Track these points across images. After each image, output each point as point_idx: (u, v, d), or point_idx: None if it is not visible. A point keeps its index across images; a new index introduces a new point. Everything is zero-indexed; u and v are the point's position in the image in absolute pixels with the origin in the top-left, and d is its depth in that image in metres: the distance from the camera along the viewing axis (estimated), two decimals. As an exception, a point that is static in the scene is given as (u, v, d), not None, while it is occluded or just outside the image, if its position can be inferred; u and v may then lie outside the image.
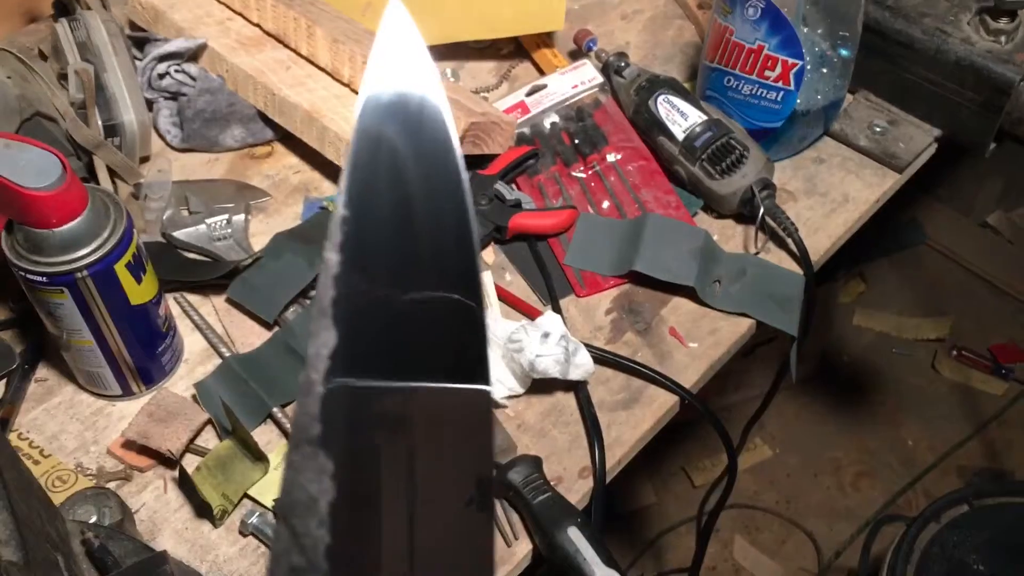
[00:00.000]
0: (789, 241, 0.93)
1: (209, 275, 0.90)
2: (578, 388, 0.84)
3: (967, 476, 1.93)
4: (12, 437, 0.81)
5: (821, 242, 0.96)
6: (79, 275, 0.73)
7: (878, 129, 1.02)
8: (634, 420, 0.84)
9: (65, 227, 0.71)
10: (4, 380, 0.84)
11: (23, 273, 0.73)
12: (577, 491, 0.80)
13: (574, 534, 0.74)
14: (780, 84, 0.94)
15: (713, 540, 1.84)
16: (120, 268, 0.75)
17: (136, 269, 0.77)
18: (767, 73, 0.94)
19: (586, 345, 0.84)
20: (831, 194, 0.99)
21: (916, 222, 2.31)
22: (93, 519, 0.72)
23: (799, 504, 1.91)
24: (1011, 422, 2.01)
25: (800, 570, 1.82)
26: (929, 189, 2.29)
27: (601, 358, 0.86)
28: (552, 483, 0.78)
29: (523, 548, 0.76)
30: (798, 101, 0.95)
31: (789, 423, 2.02)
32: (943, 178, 2.25)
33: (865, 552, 1.46)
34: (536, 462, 0.79)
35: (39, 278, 0.73)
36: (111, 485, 0.78)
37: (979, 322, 2.15)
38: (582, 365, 0.83)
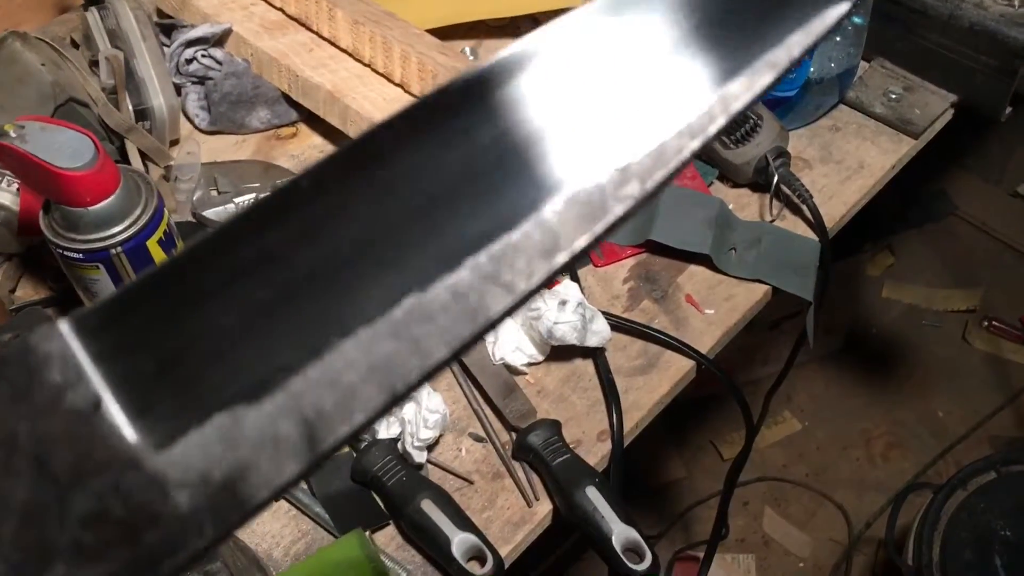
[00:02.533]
0: (804, 208, 0.94)
1: (238, 252, 0.93)
2: (596, 355, 0.86)
3: (999, 446, 1.92)
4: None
5: (837, 209, 0.97)
6: (113, 251, 0.76)
7: (893, 96, 1.03)
8: (651, 385, 0.86)
9: (99, 205, 0.74)
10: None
11: (60, 250, 0.76)
12: (596, 453, 0.82)
13: (592, 493, 0.76)
14: (793, 53, 0.95)
15: (743, 512, 1.86)
16: (152, 244, 0.78)
17: (168, 245, 0.80)
18: (779, 42, 0.95)
19: (604, 313, 0.87)
20: (847, 161, 1.00)
21: (945, 193, 2.29)
22: None
23: (829, 476, 1.92)
24: (1043, 392, 2.00)
25: (830, 541, 1.83)
26: (958, 159, 2.27)
27: (618, 325, 0.88)
28: (571, 446, 0.81)
29: (544, 508, 0.79)
30: (812, 69, 0.96)
31: (818, 396, 2.02)
32: (971, 148, 2.24)
33: (892, 520, 1.47)
34: (555, 426, 0.81)
35: (75, 255, 0.76)
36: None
37: (1010, 292, 2.14)
38: (599, 332, 0.85)
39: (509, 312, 0.23)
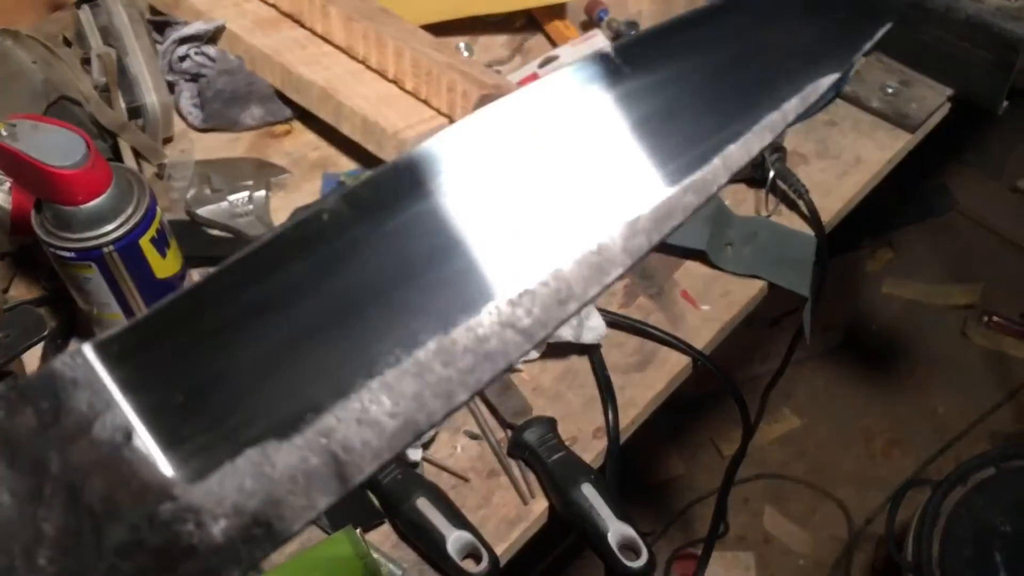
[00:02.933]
0: (800, 203, 0.94)
1: (232, 251, 0.92)
2: (591, 351, 0.86)
3: (998, 442, 1.92)
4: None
5: (833, 204, 0.96)
6: (106, 250, 0.75)
7: (890, 90, 1.02)
8: (647, 382, 0.85)
9: (91, 204, 0.74)
10: (39, 355, 0.88)
11: (53, 249, 0.76)
12: (592, 451, 0.81)
13: (588, 491, 0.76)
14: (788, 47, 0.94)
15: (743, 510, 1.86)
16: (145, 243, 0.78)
17: (160, 244, 0.79)
18: (775, 37, 0.94)
19: (599, 310, 0.86)
20: (843, 156, 1.00)
21: (945, 188, 2.29)
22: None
23: (829, 473, 1.91)
24: (1044, 387, 1.99)
25: (831, 538, 1.83)
26: (958, 155, 2.27)
27: (614, 322, 0.87)
28: (567, 443, 0.80)
29: (539, 506, 0.78)
30: (807, 64, 0.95)
31: (818, 393, 2.02)
32: (972, 143, 2.23)
33: (891, 517, 1.46)
34: (551, 423, 0.81)
35: (68, 254, 0.76)
36: (142, 452, 0.81)
37: (1010, 288, 2.13)
38: (595, 328, 0.84)
39: (524, 354, 0.24)
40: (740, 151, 0.27)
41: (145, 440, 0.22)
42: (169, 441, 0.22)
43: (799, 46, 0.29)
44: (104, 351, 0.23)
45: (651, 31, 0.29)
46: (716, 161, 0.26)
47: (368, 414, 0.23)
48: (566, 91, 0.27)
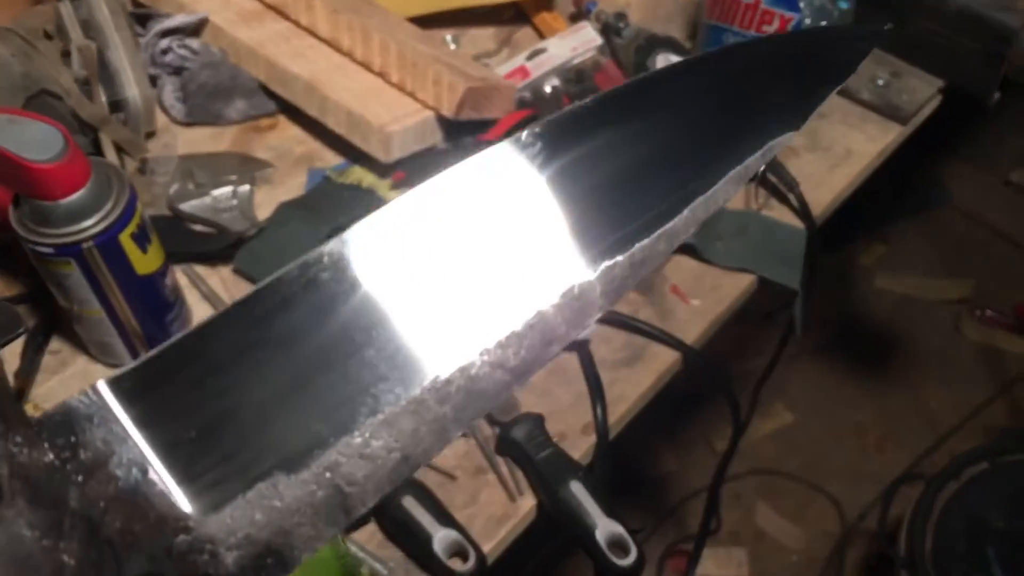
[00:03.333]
0: (791, 196, 0.93)
1: (216, 246, 0.91)
2: (580, 347, 0.85)
3: (992, 436, 1.91)
4: (28, 408, 0.83)
5: (824, 197, 0.96)
6: (85, 245, 0.74)
7: (881, 82, 1.01)
8: (636, 377, 0.84)
9: (69, 199, 0.73)
10: (20, 353, 0.86)
11: (31, 245, 0.75)
12: (580, 447, 0.80)
13: (576, 488, 0.75)
14: (778, 38, 0.93)
15: (735, 506, 1.85)
16: (125, 238, 0.76)
17: (141, 239, 0.78)
18: (764, 28, 0.93)
19: (587, 304, 0.85)
20: (834, 148, 0.99)
21: (939, 182, 2.28)
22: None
23: (822, 469, 1.91)
24: (1036, 380, 1.99)
25: (823, 533, 1.82)
26: (951, 148, 2.26)
27: (603, 317, 0.86)
28: (555, 440, 0.79)
29: (527, 504, 0.78)
30: (797, 55, 0.94)
31: (810, 388, 2.01)
32: (964, 136, 2.22)
33: (884, 512, 1.46)
34: (539, 420, 0.80)
35: (46, 249, 0.74)
36: (124, 451, 0.80)
37: (1003, 281, 2.13)
38: (583, 323, 0.83)
39: (510, 391, 0.27)
40: (708, 203, 0.30)
41: (160, 474, 0.23)
42: (183, 476, 0.24)
43: (761, 106, 0.33)
44: (118, 387, 0.24)
45: (625, 87, 0.32)
46: (686, 212, 0.29)
47: (370, 449, 0.24)
48: (536, 152, 0.30)
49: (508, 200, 0.28)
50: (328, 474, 0.24)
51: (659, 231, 0.29)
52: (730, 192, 0.30)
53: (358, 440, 0.24)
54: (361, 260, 0.27)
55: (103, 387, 0.24)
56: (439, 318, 0.27)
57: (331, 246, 0.27)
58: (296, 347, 0.25)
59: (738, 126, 0.32)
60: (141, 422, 0.23)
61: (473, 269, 0.27)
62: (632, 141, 0.30)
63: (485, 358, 0.26)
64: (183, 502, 0.23)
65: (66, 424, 0.23)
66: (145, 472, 0.23)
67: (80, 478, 0.23)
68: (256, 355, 0.25)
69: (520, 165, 0.28)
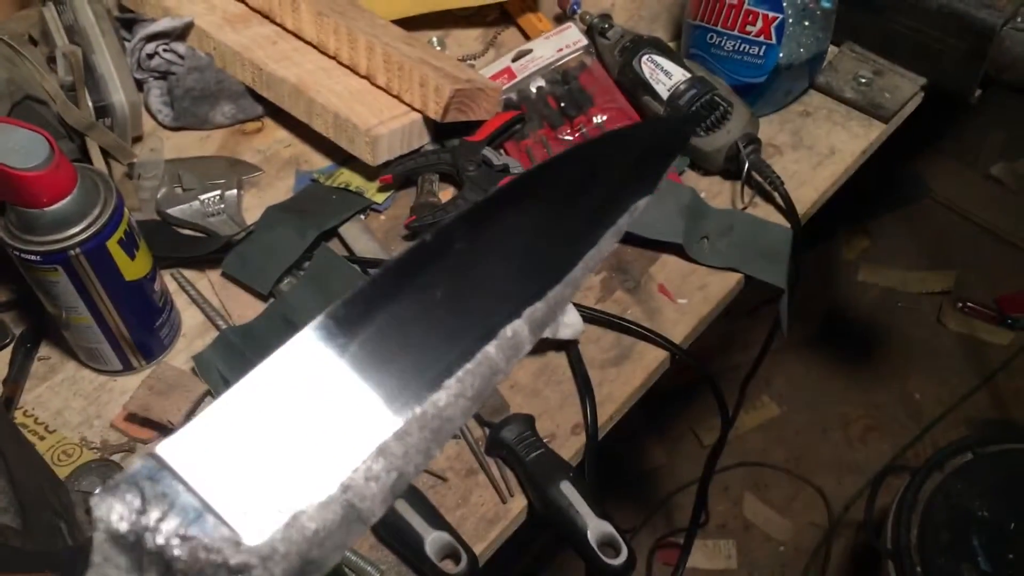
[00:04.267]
0: (776, 195, 0.94)
1: (204, 250, 0.91)
2: (569, 347, 0.86)
3: (975, 427, 1.93)
4: (18, 414, 0.83)
5: (808, 195, 0.96)
6: (72, 253, 0.74)
7: (863, 80, 1.02)
8: (625, 376, 0.85)
9: (55, 206, 0.73)
10: (8, 360, 0.86)
11: (17, 253, 0.74)
12: (570, 447, 0.81)
13: (567, 488, 0.76)
14: (761, 39, 0.94)
15: (723, 498, 1.86)
16: (112, 245, 0.76)
17: (128, 245, 0.78)
18: (748, 28, 0.94)
19: (576, 305, 0.86)
20: (817, 147, 1.00)
21: (920, 176, 2.30)
22: (98, 490, 0.74)
23: (808, 460, 1.93)
24: (1018, 371, 2.01)
25: (810, 525, 1.84)
26: (932, 142, 2.28)
27: (591, 317, 0.87)
28: (545, 440, 0.80)
29: (518, 504, 0.78)
30: (780, 55, 0.95)
31: (796, 380, 2.03)
32: (946, 131, 2.24)
33: (870, 504, 1.47)
34: (529, 420, 0.80)
35: (33, 257, 0.74)
36: (115, 457, 0.80)
37: (984, 274, 2.15)
38: (572, 324, 0.84)
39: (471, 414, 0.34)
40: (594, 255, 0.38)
41: (215, 516, 0.29)
42: (233, 514, 0.29)
43: (609, 186, 0.39)
44: (171, 452, 0.30)
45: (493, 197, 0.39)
46: (578, 271, 0.37)
47: (372, 472, 0.30)
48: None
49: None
50: (345, 495, 0.30)
51: (567, 279, 0.37)
52: (607, 249, 0.38)
53: (362, 466, 0.31)
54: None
55: (160, 452, 0.30)
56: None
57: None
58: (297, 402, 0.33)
59: (593, 205, 0.39)
60: (194, 477, 0.30)
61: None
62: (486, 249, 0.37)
63: (451, 390, 0.33)
64: (235, 534, 0.29)
65: (133, 485, 0.30)
66: (200, 515, 0.29)
67: (151, 525, 0.29)
68: (289, 410, 0.32)
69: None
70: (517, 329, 0.34)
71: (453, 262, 0.36)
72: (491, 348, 0.33)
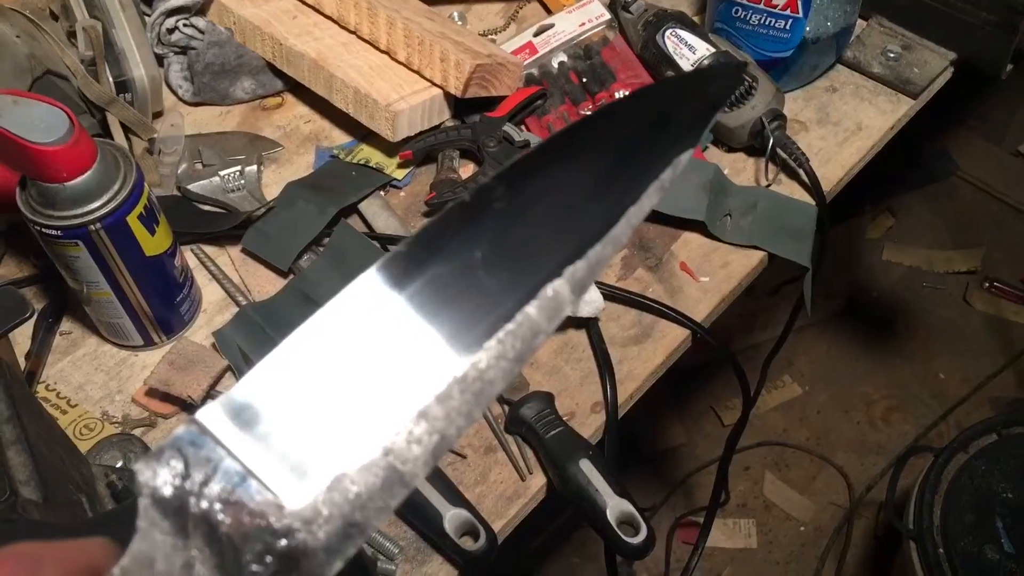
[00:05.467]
0: (801, 172, 0.92)
1: (224, 226, 0.91)
2: (589, 325, 0.85)
3: (1000, 408, 1.91)
4: (40, 388, 0.84)
5: (834, 172, 0.95)
6: (92, 227, 0.74)
7: (892, 55, 1.00)
8: (645, 355, 0.84)
9: (76, 181, 0.73)
10: (31, 334, 0.87)
11: (38, 228, 0.75)
12: (590, 425, 0.81)
13: (586, 466, 0.75)
14: (788, 12, 0.92)
15: (743, 477, 1.86)
16: (132, 220, 0.76)
17: (149, 221, 0.78)
18: (774, 1, 0.92)
19: (597, 282, 0.85)
20: (844, 123, 0.98)
21: (946, 153, 2.27)
22: (119, 464, 0.75)
23: (830, 440, 1.91)
24: (1045, 352, 1.98)
25: (831, 505, 1.83)
26: (959, 119, 2.25)
27: (612, 295, 0.86)
28: (565, 418, 0.79)
29: (537, 482, 0.78)
30: (807, 29, 0.93)
31: (818, 360, 2.01)
32: (973, 108, 2.21)
33: (892, 484, 1.46)
34: (548, 398, 0.80)
35: (54, 232, 0.74)
36: (137, 432, 0.80)
37: (1011, 253, 2.12)
38: (592, 302, 0.83)
39: (513, 376, 0.33)
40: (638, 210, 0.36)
41: (259, 479, 0.29)
42: (276, 478, 0.29)
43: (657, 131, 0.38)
44: (212, 416, 0.30)
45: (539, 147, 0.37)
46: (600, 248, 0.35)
47: (413, 436, 0.30)
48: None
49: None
50: (388, 458, 0.30)
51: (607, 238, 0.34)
52: (643, 213, 0.35)
53: (405, 428, 0.31)
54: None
55: (201, 417, 0.30)
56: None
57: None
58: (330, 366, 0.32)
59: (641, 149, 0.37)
60: (237, 442, 0.30)
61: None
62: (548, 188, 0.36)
63: (491, 352, 0.32)
64: (278, 498, 0.29)
65: (176, 450, 0.29)
66: (244, 479, 0.29)
67: (195, 490, 0.29)
68: (328, 373, 0.32)
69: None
70: (558, 288, 0.33)
71: (492, 222, 0.34)
72: (532, 308, 0.32)
